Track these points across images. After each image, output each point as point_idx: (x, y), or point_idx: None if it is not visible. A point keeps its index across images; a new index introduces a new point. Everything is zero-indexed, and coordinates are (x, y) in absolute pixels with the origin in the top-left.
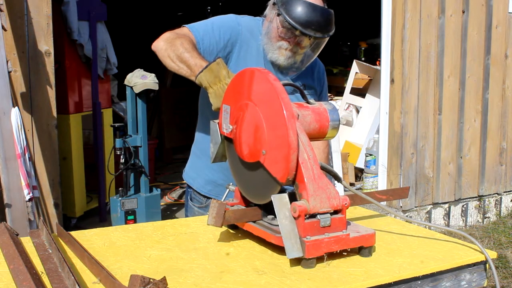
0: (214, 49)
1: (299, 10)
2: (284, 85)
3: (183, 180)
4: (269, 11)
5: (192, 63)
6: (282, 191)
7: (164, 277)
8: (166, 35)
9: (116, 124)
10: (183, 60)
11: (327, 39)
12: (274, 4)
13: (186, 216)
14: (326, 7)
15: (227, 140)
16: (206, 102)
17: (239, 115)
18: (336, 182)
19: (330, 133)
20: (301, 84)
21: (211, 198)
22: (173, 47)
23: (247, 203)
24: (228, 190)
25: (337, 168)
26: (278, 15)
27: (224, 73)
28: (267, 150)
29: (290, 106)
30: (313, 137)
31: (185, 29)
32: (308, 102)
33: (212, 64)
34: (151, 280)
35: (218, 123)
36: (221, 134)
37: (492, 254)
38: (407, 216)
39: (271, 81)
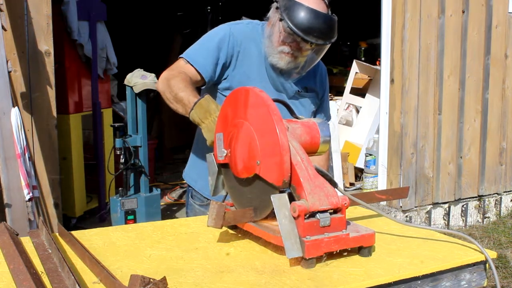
0: (217, 69)
1: (302, 16)
2: (274, 100)
3: (183, 180)
4: (272, 14)
5: (186, 102)
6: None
7: (164, 277)
8: (163, 75)
9: (116, 124)
10: (178, 100)
11: (328, 45)
12: (277, 8)
13: (187, 214)
14: (330, 13)
15: (224, 167)
16: None
17: (232, 135)
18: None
19: (322, 147)
20: (303, 87)
21: (211, 199)
22: (169, 89)
23: None
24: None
25: (337, 168)
26: (281, 20)
27: (213, 107)
28: (261, 160)
29: (277, 111)
30: (305, 151)
31: (181, 62)
32: (296, 118)
33: (201, 100)
34: (151, 280)
35: (213, 154)
36: (217, 164)
37: (492, 254)
38: (406, 216)
39: (257, 93)
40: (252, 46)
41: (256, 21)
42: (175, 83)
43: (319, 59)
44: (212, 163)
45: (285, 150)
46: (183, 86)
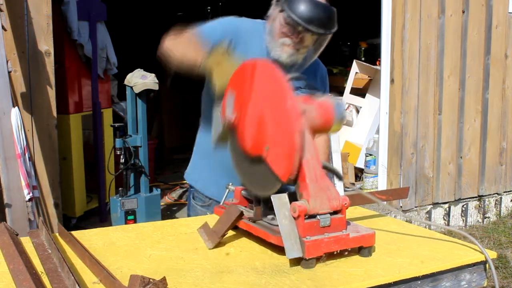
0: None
1: (302, 6)
2: (290, 79)
3: (183, 180)
4: (273, 9)
5: (198, 47)
6: (281, 190)
7: (164, 277)
8: (172, 32)
9: (116, 124)
10: (191, 43)
11: (329, 36)
12: (277, 1)
13: (189, 215)
14: (328, 4)
15: (230, 127)
16: (209, 101)
17: (244, 105)
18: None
19: (335, 127)
20: (306, 84)
21: (213, 199)
22: (181, 38)
23: (247, 203)
24: (228, 190)
25: (337, 168)
26: (281, 11)
27: (227, 56)
28: (270, 146)
29: (297, 105)
30: (317, 131)
31: (190, 29)
32: (314, 96)
33: (217, 46)
34: (151, 280)
35: (221, 106)
36: (223, 118)
37: (492, 254)
38: (407, 216)
39: (277, 76)
40: (255, 41)
41: (262, 21)
42: (187, 34)
43: (320, 51)
44: (218, 118)
45: (298, 151)
46: (196, 37)
